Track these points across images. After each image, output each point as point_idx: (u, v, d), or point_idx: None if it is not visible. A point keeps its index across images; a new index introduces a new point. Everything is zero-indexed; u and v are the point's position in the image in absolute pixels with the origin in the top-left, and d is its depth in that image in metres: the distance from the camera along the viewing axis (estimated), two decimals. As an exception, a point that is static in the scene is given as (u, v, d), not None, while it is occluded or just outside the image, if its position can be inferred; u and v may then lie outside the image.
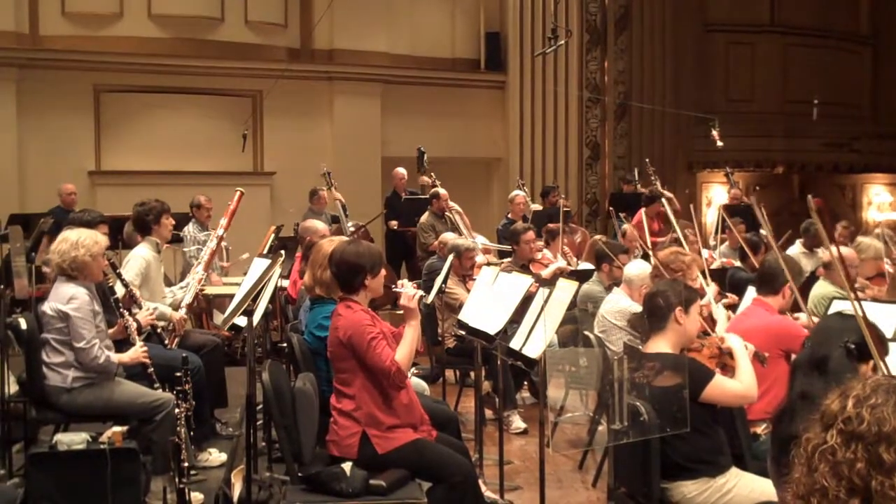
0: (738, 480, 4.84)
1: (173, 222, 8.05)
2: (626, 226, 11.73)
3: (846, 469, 2.42)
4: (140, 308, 6.85)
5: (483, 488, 6.00)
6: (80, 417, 6.26)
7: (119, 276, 6.77)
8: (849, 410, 2.48)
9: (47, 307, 6.10)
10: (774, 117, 20.51)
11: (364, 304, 5.49)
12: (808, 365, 4.54)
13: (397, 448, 5.25)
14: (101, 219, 7.61)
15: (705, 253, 11.03)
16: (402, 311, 5.50)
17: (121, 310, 6.51)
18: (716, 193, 20.34)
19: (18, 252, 7.04)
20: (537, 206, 14.95)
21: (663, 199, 14.01)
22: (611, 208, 13.85)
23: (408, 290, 5.41)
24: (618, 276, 8.59)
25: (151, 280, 7.46)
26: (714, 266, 10.64)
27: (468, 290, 8.71)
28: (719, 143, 15.84)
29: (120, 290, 6.72)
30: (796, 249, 11.10)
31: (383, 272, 5.64)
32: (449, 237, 10.88)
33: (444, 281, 8.74)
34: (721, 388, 4.91)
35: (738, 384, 5.02)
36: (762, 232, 10.82)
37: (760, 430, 5.60)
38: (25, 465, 5.83)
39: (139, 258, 7.41)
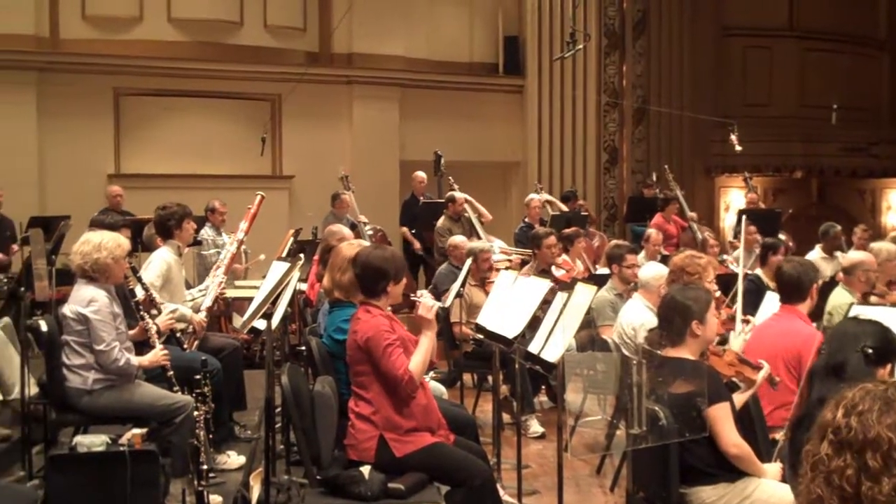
0: (757, 486, 4.82)
1: (195, 226, 8.09)
2: (649, 230, 11.70)
3: (837, 478, 2.45)
4: (159, 311, 6.88)
5: (501, 492, 6.01)
6: (100, 419, 6.28)
7: (139, 279, 6.79)
8: (838, 420, 2.50)
9: (67, 310, 6.12)
10: (793, 122, 20.45)
11: (384, 309, 5.50)
12: (825, 371, 4.54)
13: (415, 451, 5.26)
14: (124, 222, 7.64)
15: (723, 256, 11.03)
16: (413, 314, 5.51)
17: (141, 312, 6.53)
18: (734, 198, 20.29)
19: (39, 254, 7.08)
20: (564, 208, 14.96)
21: (678, 195, 14.02)
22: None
23: (426, 300, 5.42)
24: (628, 276, 8.57)
25: (172, 283, 7.48)
26: (729, 270, 10.61)
27: (486, 293, 8.71)
28: (738, 148, 15.82)
29: (140, 293, 6.74)
30: (815, 254, 11.07)
31: (404, 280, 5.65)
32: (459, 240, 10.90)
33: (463, 284, 8.75)
34: (721, 418, 4.80)
35: (733, 433, 4.86)
36: (781, 236, 10.83)
37: (779, 436, 5.58)
38: (45, 466, 5.84)
39: (161, 260, 7.44)
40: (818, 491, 2.47)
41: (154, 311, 6.82)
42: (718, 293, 7.49)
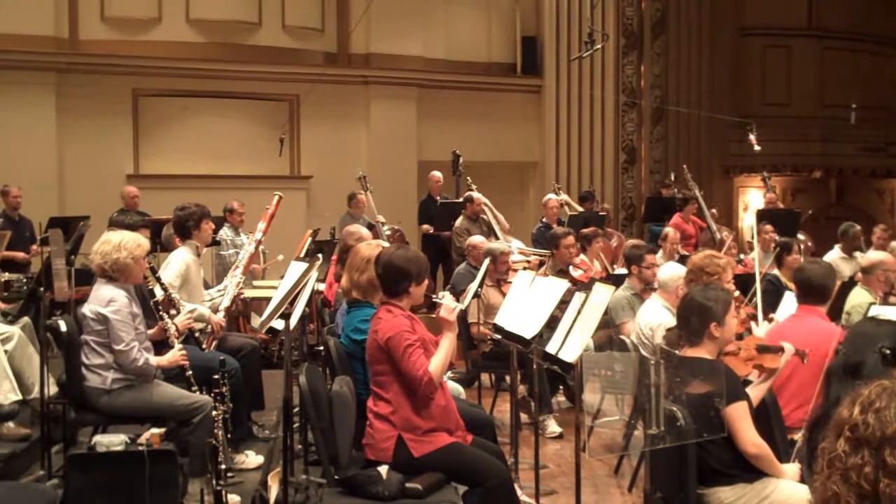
0: (776, 486, 4.80)
1: (213, 226, 8.11)
2: (667, 228, 11.69)
3: (854, 475, 2.44)
4: (178, 311, 6.90)
5: (519, 492, 6.00)
6: (119, 419, 6.30)
7: (158, 279, 6.81)
8: (855, 417, 2.50)
9: (87, 309, 6.15)
10: (811, 121, 20.41)
11: (405, 309, 5.50)
12: (843, 371, 4.52)
13: (433, 452, 5.26)
14: (143, 222, 7.66)
15: (741, 257, 10.99)
16: (433, 315, 5.50)
17: (160, 312, 6.55)
18: (752, 198, 20.24)
19: (59, 254, 7.10)
20: (580, 209, 14.95)
21: (697, 194, 13.98)
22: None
23: (448, 302, 5.41)
24: (647, 276, 8.56)
25: (191, 283, 7.50)
26: (747, 270, 10.58)
27: (503, 294, 8.71)
28: (756, 148, 15.77)
29: (159, 293, 6.77)
30: (834, 254, 11.03)
31: (426, 281, 5.65)
32: (477, 240, 10.89)
33: (481, 285, 8.74)
34: (738, 418, 4.79)
35: (751, 432, 4.84)
36: (800, 237, 10.79)
37: (797, 436, 5.56)
38: (64, 466, 5.88)
39: (179, 260, 7.46)
40: (834, 488, 2.47)
41: (173, 311, 6.84)
42: (737, 293, 7.47)
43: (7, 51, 14.86)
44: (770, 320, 6.79)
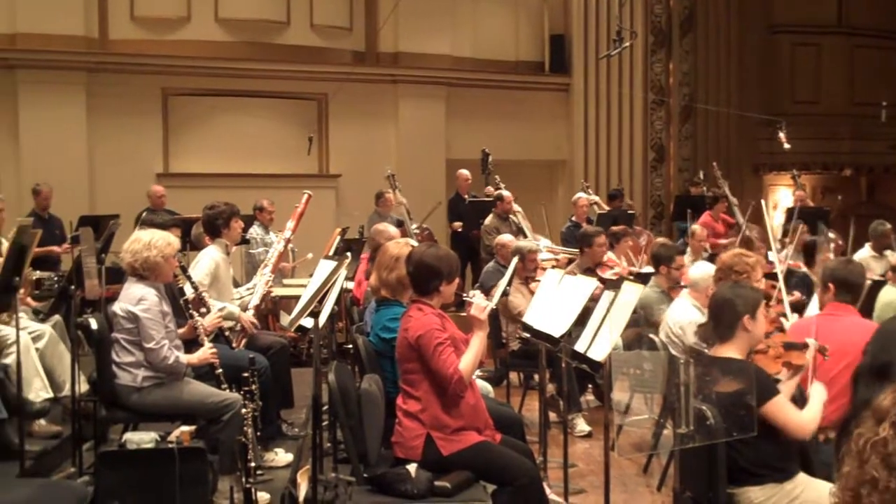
0: (806, 487, 4.78)
1: (242, 225, 8.13)
2: (694, 225, 11.65)
3: None
4: (208, 310, 6.92)
5: (547, 491, 6.01)
6: (149, 417, 6.32)
7: (189, 278, 6.84)
8: None
9: (117, 308, 6.17)
10: (841, 119, 20.29)
11: (436, 307, 5.50)
12: (871, 372, 4.48)
13: (462, 450, 5.25)
14: (174, 222, 7.69)
15: (773, 256, 10.94)
16: (465, 313, 5.51)
17: (190, 311, 6.57)
18: (782, 196, 20.16)
19: (89, 253, 7.12)
20: (607, 208, 14.92)
21: (727, 192, 13.94)
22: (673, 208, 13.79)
23: (479, 301, 5.40)
24: (676, 277, 8.55)
25: (220, 281, 7.52)
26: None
27: (532, 293, 8.71)
28: (786, 146, 15.71)
29: (189, 292, 6.79)
30: (865, 253, 10.97)
31: (457, 280, 5.65)
32: (506, 239, 10.88)
33: (509, 283, 8.74)
34: (781, 410, 4.78)
35: (799, 415, 4.87)
36: (830, 234, 10.74)
37: (829, 436, 5.52)
38: (95, 463, 5.89)
39: (209, 259, 7.48)
40: (873, 473, 2.45)
41: (203, 310, 6.86)
42: (775, 288, 7.44)
43: (38, 50, 14.99)
44: (798, 308, 6.75)
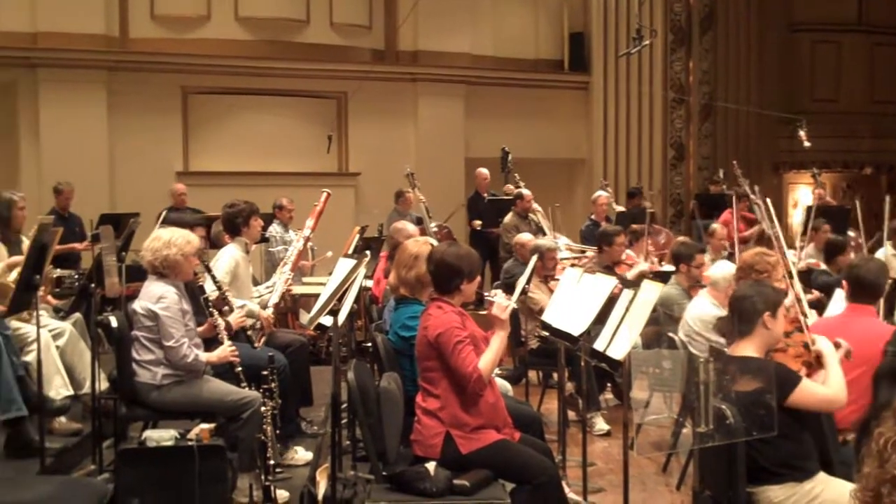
0: (826, 486, 4.76)
1: (262, 223, 8.14)
2: (714, 224, 11.61)
3: None
4: (231, 309, 6.95)
5: (566, 490, 6.00)
6: (169, 414, 6.34)
7: (213, 277, 6.86)
8: None
9: (137, 306, 6.20)
10: (862, 117, 20.20)
11: (456, 305, 5.50)
12: (891, 373, 4.46)
13: (480, 449, 5.25)
14: (200, 220, 7.71)
15: (791, 254, 10.90)
16: (484, 312, 5.50)
17: (210, 309, 6.59)
18: (802, 194, 20.10)
19: (109, 251, 7.15)
20: (621, 208, 14.88)
21: (748, 190, 13.88)
22: (693, 205, 13.73)
23: (500, 300, 5.40)
24: (696, 276, 8.52)
25: (240, 279, 7.55)
26: (799, 267, 10.51)
27: (550, 291, 8.70)
28: (806, 144, 15.65)
29: (209, 290, 6.81)
30: (885, 251, 10.92)
31: (478, 279, 5.65)
32: (526, 238, 10.87)
33: (528, 282, 8.73)
34: (809, 393, 4.78)
35: (826, 389, 4.87)
36: (850, 234, 10.69)
37: (848, 438, 5.50)
38: (115, 460, 5.91)
39: (229, 257, 7.50)
40: (894, 472, 2.45)
41: (226, 308, 6.89)
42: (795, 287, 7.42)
43: (59, 49, 15.06)
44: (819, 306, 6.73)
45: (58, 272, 9.57)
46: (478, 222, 14.68)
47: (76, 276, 9.74)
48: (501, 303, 5.37)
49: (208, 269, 6.83)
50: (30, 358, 6.72)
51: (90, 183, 14.34)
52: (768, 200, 8.80)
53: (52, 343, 7.05)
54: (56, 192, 12.84)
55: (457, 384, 5.26)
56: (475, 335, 5.41)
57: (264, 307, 7.64)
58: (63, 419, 7.23)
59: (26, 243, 7.09)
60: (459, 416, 5.27)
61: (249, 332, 7.06)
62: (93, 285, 7.04)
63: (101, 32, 15.54)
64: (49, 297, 8.11)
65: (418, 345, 5.47)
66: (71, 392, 7.08)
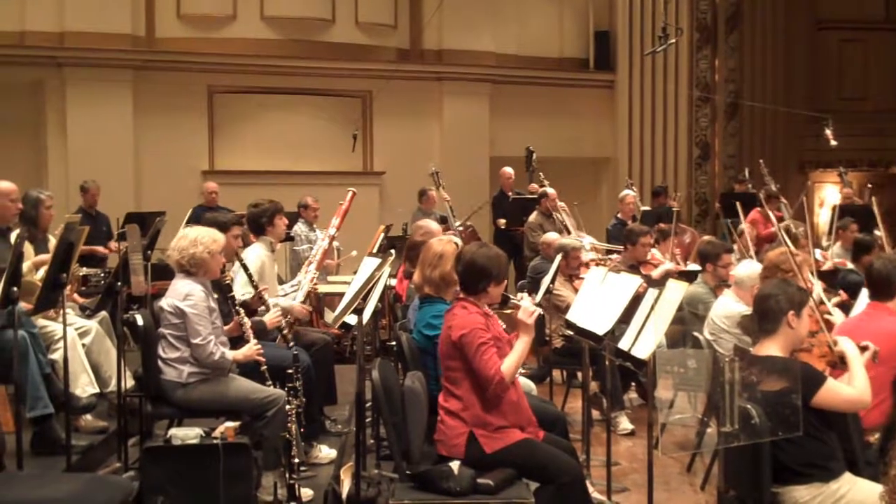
0: (852, 486, 4.74)
1: (286, 222, 8.16)
2: (742, 225, 11.56)
3: None
4: (268, 308, 6.98)
5: (590, 489, 5.99)
6: (194, 412, 6.36)
7: (250, 276, 6.91)
8: None
9: (164, 303, 6.22)
10: (889, 115, 20.04)
11: (482, 307, 5.50)
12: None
13: (504, 448, 5.25)
14: (236, 220, 7.73)
15: (817, 253, 10.85)
16: (510, 311, 5.50)
17: (236, 307, 6.61)
18: (828, 193, 20.00)
19: (135, 250, 7.18)
20: (645, 207, 14.84)
21: (774, 189, 13.82)
22: (719, 205, 13.67)
23: (527, 304, 5.40)
24: (722, 275, 8.48)
25: (265, 279, 7.56)
26: (825, 267, 10.46)
27: (575, 290, 8.69)
28: (833, 143, 15.57)
29: (243, 290, 6.86)
30: (910, 249, 10.85)
31: (505, 282, 5.65)
32: (552, 237, 10.84)
33: (552, 281, 8.72)
34: (834, 392, 4.76)
35: (851, 389, 4.85)
36: (876, 232, 10.63)
37: (874, 438, 5.48)
38: (141, 458, 5.94)
39: (255, 257, 7.52)
40: None
41: (262, 308, 6.93)
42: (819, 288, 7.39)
43: (85, 49, 15.14)
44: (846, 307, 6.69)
45: (84, 271, 9.63)
46: (502, 221, 14.66)
47: (102, 275, 9.79)
48: (528, 308, 5.37)
49: (245, 269, 6.88)
50: (56, 356, 6.76)
51: (116, 182, 14.40)
52: (803, 199, 8.78)
53: (79, 341, 7.09)
54: (82, 191, 12.90)
55: (479, 385, 5.26)
56: (499, 337, 5.41)
57: (289, 307, 7.67)
58: (89, 417, 7.27)
59: (53, 242, 7.13)
60: (482, 416, 5.27)
61: (286, 331, 7.09)
62: (119, 284, 7.08)
63: (128, 32, 15.60)
64: (75, 296, 8.15)
65: (441, 344, 5.47)
66: (97, 390, 7.12)
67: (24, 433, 6.18)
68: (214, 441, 5.68)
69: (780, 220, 13.73)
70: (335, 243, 10.71)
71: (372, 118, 17.18)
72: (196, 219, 9.50)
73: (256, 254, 7.58)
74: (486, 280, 5.47)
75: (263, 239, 7.77)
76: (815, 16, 20.27)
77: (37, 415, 6.55)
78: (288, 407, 6.12)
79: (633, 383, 9.36)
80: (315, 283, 8.13)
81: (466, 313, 5.38)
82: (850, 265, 10.41)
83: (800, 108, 18.39)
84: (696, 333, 7.71)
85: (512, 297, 5.56)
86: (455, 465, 5.16)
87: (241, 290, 7.01)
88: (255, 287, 7.00)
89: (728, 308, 7.55)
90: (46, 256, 7.03)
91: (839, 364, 5.12)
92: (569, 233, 12.28)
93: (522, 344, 5.36)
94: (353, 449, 6.48)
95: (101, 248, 11.62)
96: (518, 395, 5.43)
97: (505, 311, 5.82)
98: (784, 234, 7.94)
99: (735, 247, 10.75)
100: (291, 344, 6.99)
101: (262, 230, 7.77)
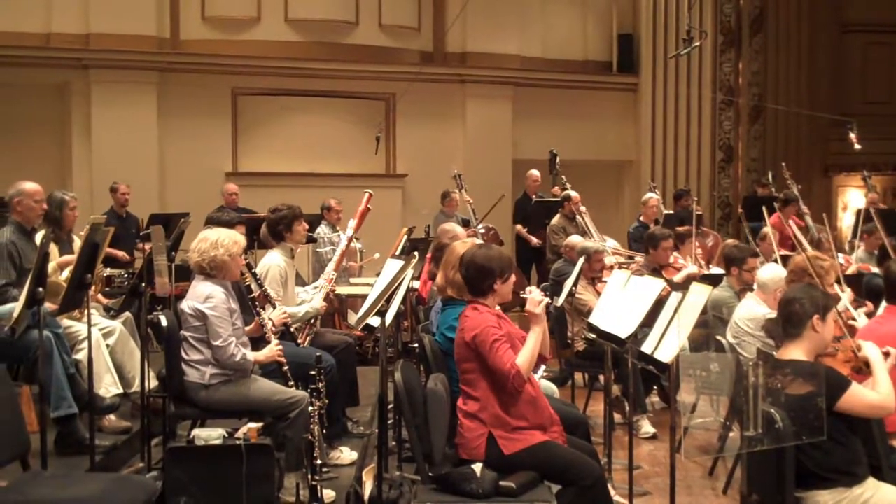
0: (875, 492, 4.72)
1: (306, 226, 8.13)
2: (766, 228, 11.52)
3: None
4: (273, 306, 6.98)
5: (612, 493, 5.98)
6: (217, 413, 6.38)
7: (255, 276, 6.91)
8: None
9: (185, 306, 6.24)
10: (913, 119, 20.00)
11: (493, 307, 5.51)
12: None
13: (524, 449, 5.26)
14: (240, 219, 7.76)
15: (840, 257, 10.81)
16: (526, 313, 5.51)
17: (257, 308, 6.63)
18: (852, 197, 19.91)
19: (160, 251, 7.20)
20: (668, 210, 14.81)
21: (796, 193, 13.77)
22: (742, 209, 13.65)
23: (535, 296, 5.41)
24: (747, 279, 8.45)
25: (286, 286, 7.57)
26: (849, 271, 10.41)
27: (597, 293, 8.68)
28: (857, 146, 15.50)
29: (254, 288, 6.86)
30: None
31: (513, 278, 5.65)
32: (576, 240, 10.83)
33: (575, 284, 8.71)
34: (858, 397, 4.74)
35: (876, 395, 4.83)
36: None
37: (891, 444, 5.45)
38: (164, 458, 5.97)
39: (275, 267, 7.47)
40: None
41: (268, 306, 6.93)
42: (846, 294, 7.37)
43: (110, 51, 15.23)
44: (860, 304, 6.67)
45: (108, 271, 9.67)
46: (520, 227, 14.67)
47: (126, 276, 9.84)
48: (535, 297, 5.38)
49: (249, 268, 6.86)
50: (80, 356, 6.80)
51: (141, 183, 14.45)
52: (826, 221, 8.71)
53: (103, 342, 7.13)
54: (111, 191, 12.96)
55: (496, 384, 5.27)
56: (512, 334, 5.43)
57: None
58: (112, 417, 7.30)
59: (77, 243, 7.16)
60: (500, 416, 5.28)
61: (293, 330, 7.11)
62: (143, 285, 7.10)
63: (153, 34, 15.71)
64: (100, 296, 8.19)
65: (456, 347, 5.48)
66: (120, 390, 7.15)
67: (49, 433, 6.20)
68: (237, 442, 5.70)
69: (801, 227, 13.70)
70: (358, 245, 10.73)
71: (395, 120, 17.22)
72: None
73: (276, 263, 7.52)
74: (490, 278, 5.49)
75: (283, 245, 7.74)
76: (839, 19, 20.20)
77: (61, 415, 6.59)
78: (310, 408, 6.13)
79: (655, 387, 9.36)
80: (333, 284, 8.13)
81: (478, 314, 5.40)
82: (874, 269, 10.36)
83: (824, 111, 18.31)
84: (718, 337, 7.69)
85: (521, 291, 5.57)
86: (478, 468, 5.17)
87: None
88: (261, 285, 7.00)
89: (751, 311, 7.53)
90: (71, 257, 7.08)
91: (864, 369, 5.10)
92: (591, 237, 12.27)
93: (535, 335, 5.36)
94: (375, 450, 6.49)
95: (121, 253, 11.56)
96: (536, 394, 5.42)
97: (524, 314, 5.82)
98: (799, 239, 7.90)
99: (757, 250, 10.72)
100: (301, 342, 7.02)
101: (281, 237, 7.74)
